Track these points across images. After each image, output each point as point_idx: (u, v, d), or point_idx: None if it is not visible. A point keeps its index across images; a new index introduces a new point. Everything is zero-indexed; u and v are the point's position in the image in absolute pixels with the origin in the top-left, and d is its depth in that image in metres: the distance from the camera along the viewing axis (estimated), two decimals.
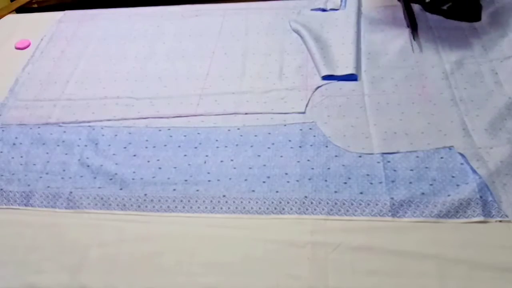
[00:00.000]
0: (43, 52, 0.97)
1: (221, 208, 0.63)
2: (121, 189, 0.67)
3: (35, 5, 1.25)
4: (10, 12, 1.13)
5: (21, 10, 1.18)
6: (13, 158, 0.74)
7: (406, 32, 0.87)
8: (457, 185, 0.61)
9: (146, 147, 0.72)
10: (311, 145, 0.69)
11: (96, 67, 0.91)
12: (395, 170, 0.64)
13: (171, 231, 0.61)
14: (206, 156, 0.69)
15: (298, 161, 0.67)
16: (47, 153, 0.74)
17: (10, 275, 0.59)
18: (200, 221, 0.62)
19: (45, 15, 1.11)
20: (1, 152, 0.75)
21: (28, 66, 0.93)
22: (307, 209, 0.61)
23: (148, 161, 0.70)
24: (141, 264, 0.58)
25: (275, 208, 0.62)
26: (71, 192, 0.67)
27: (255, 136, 0.71)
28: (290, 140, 0.70)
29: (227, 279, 0.56)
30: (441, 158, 0.65)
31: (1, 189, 0.69)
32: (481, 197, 0.59)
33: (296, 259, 0.57)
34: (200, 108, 0.78)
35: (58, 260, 0.60)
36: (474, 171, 0.62)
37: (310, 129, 0.71)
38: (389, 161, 0.65)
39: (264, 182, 0.65)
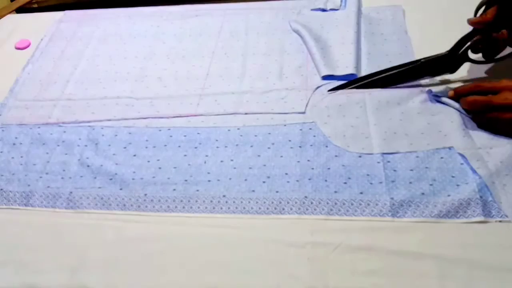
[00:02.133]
0: (43, 52, 0.97)
1: (221, 208, 0.63)
2: (121, 189, 0.67)
3: (35, 5, 1.25)
4: (10, 12, 1.13)
5: (21, 10, 1.18)
6: (13, 158, 0.74)
7: (405, 33, 0.88)
8: (457, 185, 0.61)
9: (146, 147, 0.72)
10: (311, 145, 0.68)
11: (96, 67, 0.91)
12: (395, 170, 0.64)
13: (171, 231, 0.61)
14: (206, 156, 0.69)
15: (298, 161, 0.67)
16: (47, 153, 0.74)
17: (10, 275, 0.59)
18: (200, 221, 0.62)
19: (45, 15, 1.11)
20: (1, 152, 0.75)
21: (28, 66, 0.93)
22: (307, 209, 0.61)
23: (148, 161, 0.70)
24: (141, 264, 0.58)
25: (275, 208, 0.62)
26: (71, 192, 0.67)
27: (255, 136, 0.71)
28: (290, 140, 0.70)
29: (227, 279, 0.56)
30: (441, 158, 0.64)
31: (1, 189, 0.69)
32: (481, 197, 0.59)
33: (296, 259, 0.56)
34: (200, 108, 0.78)
35: (58, 260, 0.60)
36: (474, 171, 0.61)
37: (310, 129, 0.71)
38: (389, 161, 0.65)
39: (264, 182, 0.65)
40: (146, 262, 0.58)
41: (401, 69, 0.76)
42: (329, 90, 0.77)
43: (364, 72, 0.80)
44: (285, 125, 0.72)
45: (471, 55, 0.74)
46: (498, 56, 0.74)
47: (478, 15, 0.71)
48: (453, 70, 0.74)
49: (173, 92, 0.82)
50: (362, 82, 0.77)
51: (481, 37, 0.71)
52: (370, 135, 0.69)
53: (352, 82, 0.77)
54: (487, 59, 0.74)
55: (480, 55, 0.75)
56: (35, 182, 0.70)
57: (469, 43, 0.72)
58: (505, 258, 0.53)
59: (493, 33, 0.71)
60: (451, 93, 0.69)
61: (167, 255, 0.59)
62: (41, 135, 0.77)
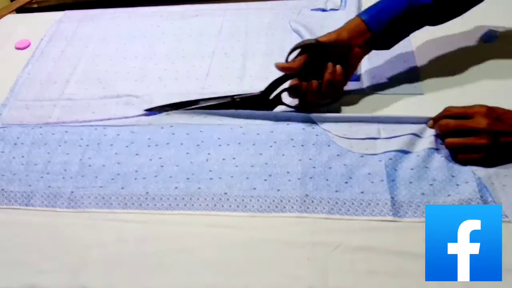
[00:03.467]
0: (43, 52, 0.97)
1: (223, 206, 0.63)
2: (122, 188, 0.67)
3: (35, 5, 1.25)
4: (10, 12, 1.13)
5: (21, 10, 1.18)
6: (14, 158, 0.74)
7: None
8: (457, 185, 0.61)
9: (149, 146, 0.72)
10: (313, 144, 0.68)
11: (96, 67, 0.91)
12: (395, 169, 0.64)
13: (172, 230, 0.61)
14: (208, 154, 0.69)
15: (300, 160, 0.67)
16: (48, 153, 0.74)
17: (10, 275, 0.59)
18: (201, 219, 0.62)
19: (45, 15, 1.11)
20: (2, 152, 0.75)
21: (28, 66, 0.93)
22: (308, 208, 0.61)
23: (151, 160, 0.70)
24: (141, 264, 0.58)
25: (276, 207, 0.62)
26: (72, 192, 0.67)
27: (258, 134, 0.71)
28: (292, 139, 0.69)
29: (227, 279, 0.56)
30: (441, 157, 0.65)
31: (2, 189, 0.69)
32: (481, 197, 0.59)
33: (296, 259, 0.56)
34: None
35: (58, 260, 0.60)
36: (474, 171, 0.62)
37: (313, 128, 0.71)
38: (390, 159, 0.65)
39: (265, 180, 0.65)
40: (146, 262, 0.58)
41: (218, 102, 0.75)
42: (145, 110, 0.77)
43: (364, 71, 0.80)
44: (288, 124, 0.72)
45: (288, 98, 0.73)
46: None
47: (290, 59, 0.71)
48: (270, 109, 0.74)
49: (173, 92, 0.82)
50: (187, 108, 0.76)
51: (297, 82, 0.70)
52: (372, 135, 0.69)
53: (175, 104, 0.77)
54: (300, 106, 0.73)
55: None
56: (36, 182, 0.70)
57: (283, 87, 0.72)
58: (505, 258, 0.53)
59: (302, 82, 0.70)
60: (430, 123, 0.68)
61: (167, 255, 0.59)
62: (43, 135, 0.76)
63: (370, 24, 0.70)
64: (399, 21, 0.70)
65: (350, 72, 0.73)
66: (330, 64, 0.69)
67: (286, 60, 0.71)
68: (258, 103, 0.74)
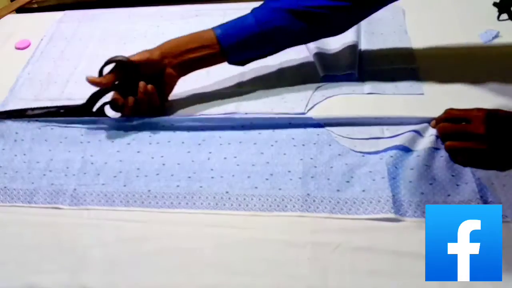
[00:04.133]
0: (43, 52, 0.97)
1: (224, 205, 0.63)
2: (124, 185, 0.67)
3: (35, 5, 1.25)
4: (10, 12, 1.14)
5: (21, 10, 1.18)
6: (16, 156, 0.74)
7: (405, 33, 0.88)
8: (457, 185, 0.61)
9: (150, 143, 0.72)
10: (314, 143, 0.68)
11: (96, 67, 0.91)
12: (396, 167, 0.64)
13: (173, 229, 0.61)
14: (210, 152, 0.69)
15: (301, 159, 0.67)
16: (50, 150, 0.74)
17: (10, 274, 0.59)
18: (202, 218, 0.62)
19: (45, 15, 1.11)
20: (3, 149, 0.75)
21: (28, 66, 0.93)
22: (309, 207, 0.61)
23: (152, 158, 0.70)
24: (141, 264, 0.58)
25: (278, 206, 0.62)
26: (75, 189, 0.67)
27: (259, 133, 0.71)
28: (293, 138, 0.70)
29: (227, 279, 0.56)
30: (441, 157, 0.65)
31: (5, 187, 0.69)
32: (481, 197, 0.59)
33: (296, 259, 0.57)
34: (200, 107, 0.78)
35: (58, 260, 0.60)
36: (473, 172, 0.62)
37: (314, 127, 0.71)
38: (391, 156, 0.65)
39: (267, 179, 0.65)
40: (146, 262, 0.58)
41: (44, 111, 0.78)
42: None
43: (364, 71, 0.80)
44: (289, 123, 0.72)
45: (111, 111, 0.75)
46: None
47: (106, 71, 0.73)
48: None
49: (173, 91, 0.82)
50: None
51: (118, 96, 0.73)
52: (372, 135, 0.69)
53: (5, 112, 0.80)
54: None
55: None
56: (39, 179, 0.70)
57: (104, 100, 0.75)
58: (505, 258, 0.53)
59: (122, 96, 0.73)
60: (433, 123, 0.68)
61: (168, 254, 0.59)
62: (41, 130, 0.76)
63: (220, 38, 0.73)
64: (251, 40, 0.73)
65: (167, 90, 0.76)
66: (141, 83, 0.71)
67: (100, 73, 0.73)
68: (82, 115, 0.76)
